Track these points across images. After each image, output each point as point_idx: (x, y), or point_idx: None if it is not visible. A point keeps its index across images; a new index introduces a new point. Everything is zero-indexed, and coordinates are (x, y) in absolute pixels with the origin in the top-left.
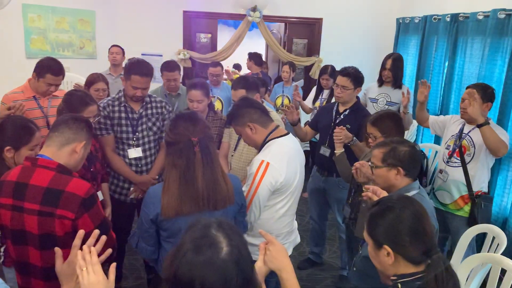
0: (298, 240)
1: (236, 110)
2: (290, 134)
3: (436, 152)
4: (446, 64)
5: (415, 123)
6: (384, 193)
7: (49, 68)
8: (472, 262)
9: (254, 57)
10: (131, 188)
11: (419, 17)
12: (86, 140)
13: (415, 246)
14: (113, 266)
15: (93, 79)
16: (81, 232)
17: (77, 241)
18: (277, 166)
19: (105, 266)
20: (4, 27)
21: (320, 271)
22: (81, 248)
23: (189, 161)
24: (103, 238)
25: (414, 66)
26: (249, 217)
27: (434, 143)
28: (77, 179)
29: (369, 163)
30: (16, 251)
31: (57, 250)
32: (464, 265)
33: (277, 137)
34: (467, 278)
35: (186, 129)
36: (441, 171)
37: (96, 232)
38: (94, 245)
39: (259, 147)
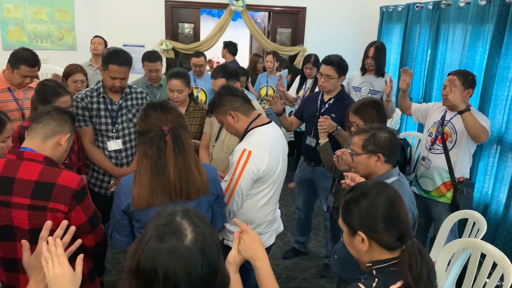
0: (281, 228)
1: (218, 99)
2: (273, 122)
3: (420, 140)
4: (429, 52)
5: (398, 111)
6: (363, 180)
7: (24, 59)
8: (453, 247)
9: (228, 46)
10: (111, 181)
11: (402, 5)
12: (70, 132)
13: (389, 232)
14: (80, 258)
15: (70, 70)
16: (72, 229)
17: (44, 232)
18: (260, 155)
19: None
20: None
21: (304, 260)
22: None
23: (160, 150)
24: (72, 228)
25: (397, 55)
26: (232, 206)
27: (418, 131)
28: (66, 171)
29: (350, 151)
30: (2, 247)
31: (24, 243)
32: (445, 251)
33: (259, 125)
34: (449, 263)
35: (157, 118)
36: (423, 158)
37: (64, 222)
38: (63, 238)
39: (241, 136)
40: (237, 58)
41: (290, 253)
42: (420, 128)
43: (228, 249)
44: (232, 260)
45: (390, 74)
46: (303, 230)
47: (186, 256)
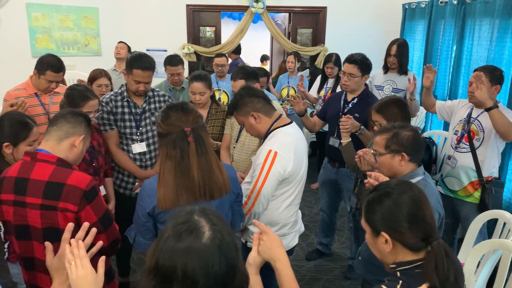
0: (303, 229)
1: (239, 100)
2: (294, 123)
3: (445, 139)
4: (454, 48)
5: (423, 110)
6: (387, 179)
7: (49, 65)
8: (482, 248)
9: None
10: (136, 183)
11: (425, 1)
12: (85, 134)
13: (413, 233)
14: (101, 260)
15: (95, 75)
16: (85, 225)
17: (66, 234)
18: (285, 155)
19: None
20: (9, 27)
21: (328, 262)
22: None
23: (183, 151)
24: (93, 230)
25: (421, 52)
26: (257, 208)
27: (443, 130)
28: (77, 171)
29: (372, 151)
30: (21, 246)
31: (48, 245)
32: (474, 252)
33: (282, 126)
34: (478, 265)
35: (178, 119)
36: (449, 157)
37: (86, 225)
38: (84, 239)
39: (263, 137)
40: (257, 59)
41: (313, 255)
42: (446, 126)
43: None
44: (252, 262)
45: (414, 72)
46: (327, 231)
47: (204, 254)
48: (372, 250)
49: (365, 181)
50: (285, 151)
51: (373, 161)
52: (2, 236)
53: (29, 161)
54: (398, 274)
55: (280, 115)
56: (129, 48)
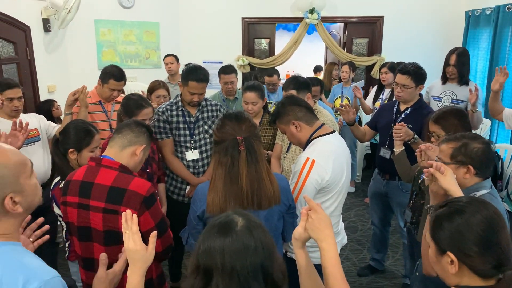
0: (345, 241)
1: (281, 108)
2: (336, 133)
3: None
4: None
5: (487, 122)
6: (449, 170)
7: (112, 74)
8: None
9: None
10: (187, 189)
11: (490, 8)
12: (146, 144)
13: (484, 258)
14: (153, 235)
15: (154, 86)
16: (135, 218)
17: (103, 259)
18: (323, 164)
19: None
20: (79, 42)
21: (381, 279)
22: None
23: (233, 159)
24: (135, 218)
25: (485, 61)
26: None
27: (510, 143)
28: (138, 178)
29: (436, 158)
30: (82, 247)
31: (102, 257)
32: None
33: (323, 135)
34: None
35: (232, 128)
36: None
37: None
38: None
39: (304, 145)
40: (310, 70)
41: (365, 271)
42: None
43: (291, 261)
44: (298, 237)
45: (478, 82)
46: (379, 247)
47: (237, 238)
48: (434, 267)
49: (425, 170)
50: (323, 159)
51: (435, 158)
52: (64, 236)
53: (94, 166)
54: None
55: (322, 124)
56: (176, 58)
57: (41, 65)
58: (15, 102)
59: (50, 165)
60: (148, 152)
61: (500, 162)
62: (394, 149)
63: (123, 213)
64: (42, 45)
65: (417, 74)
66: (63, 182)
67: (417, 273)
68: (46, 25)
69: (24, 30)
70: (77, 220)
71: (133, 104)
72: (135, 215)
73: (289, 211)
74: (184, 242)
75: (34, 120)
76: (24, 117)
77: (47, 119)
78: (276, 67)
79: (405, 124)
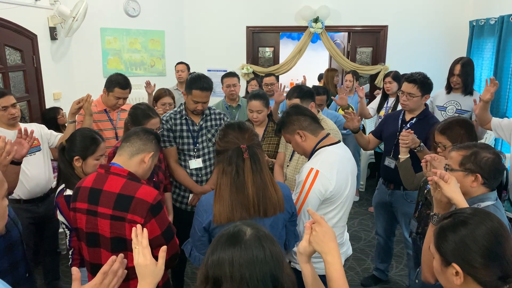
0: (350, 252)
1: (286, 118)
2: (341, 143)
3: None
4: None
5: (492, 132)
6: (453, 179)
7: (117, 83)
8: None
9: None
10: (190, 197)
11: (494, 18)
12: (154, 152)
13: (489, 269)
14: (162, 250)
15: (160, 94)
16: (145, 232)
17: (106, 267)
18: (327, 174)
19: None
20: (85, 50)
21: None
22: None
23: (238, 167)
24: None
25: (490, 71)
26: (299, 226)
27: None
28: (145, 186)
29: (445, 165)
30: (90, 253)
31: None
32: None
33: (328, 145)
34: None
35: (235, 137)
36: None
37: (145, 231)
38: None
39: (309, 155)
40: (315, 79)
41: (369, 281)
42: None
43: (295, 271)
44: (303, 251)
45: (481, 92)
46: (383, 256)
47: (246, 246)
48: (438, 278)
49: (429, 178)
50: (327, 170)
51: (441, 169)
52: (68, 244)
53: (103, 174)
54: None
55: (327, 134)
56: (187, 66)
57: (47, 72)
58: (10, 109)
59: (52, 174)
60: (156, 159)
61: (505, 172)
62: (399, 156)
63: (133, 228)
64: (49, 53)
65: (423, 83)
66: (68, 189)
67: (416, 281)
68: (53, 33)
69: (31, 38)
70: (85, 226)
71: (141, 113)
72: (145, 230)
73: (291, 219)
74: (187, 255)
75: (35, 130)
76: (25, 127)
77: (53, 127)
78: (280, 75)
79: (412, 131)
